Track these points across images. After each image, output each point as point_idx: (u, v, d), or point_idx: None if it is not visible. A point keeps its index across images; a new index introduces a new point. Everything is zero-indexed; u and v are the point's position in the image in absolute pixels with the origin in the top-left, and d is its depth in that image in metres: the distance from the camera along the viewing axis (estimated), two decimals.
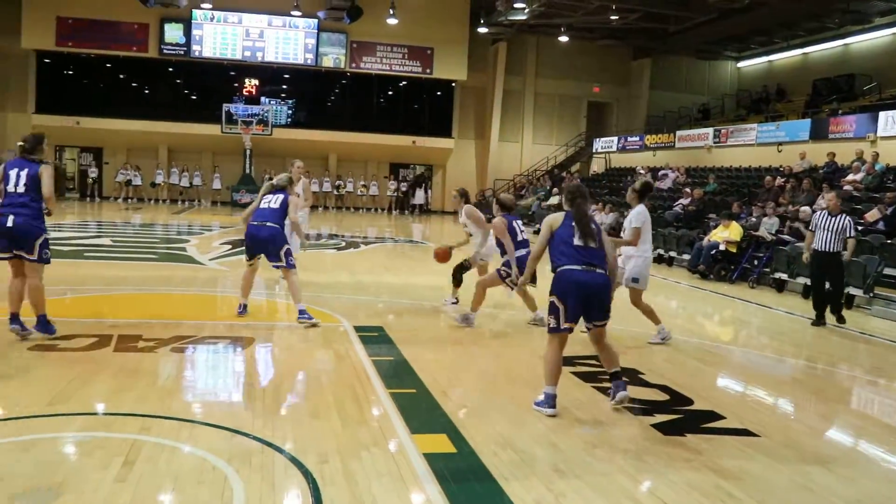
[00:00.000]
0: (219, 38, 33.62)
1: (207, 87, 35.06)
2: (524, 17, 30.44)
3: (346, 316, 9.35)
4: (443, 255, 10.08)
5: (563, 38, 34.11)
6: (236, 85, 34.95)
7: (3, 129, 33.20)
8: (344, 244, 13.63)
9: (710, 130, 28.53)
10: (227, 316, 8.87)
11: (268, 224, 8.52)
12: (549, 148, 36.70)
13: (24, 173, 7.08)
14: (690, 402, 6.52)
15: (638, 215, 8.45)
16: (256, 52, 33.86)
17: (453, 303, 10.20)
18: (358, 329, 8.53)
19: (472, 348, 8.17)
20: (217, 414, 5.47)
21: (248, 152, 32.82)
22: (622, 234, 8.77)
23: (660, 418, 5.95)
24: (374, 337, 8.24)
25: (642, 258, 8.58)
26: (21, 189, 7.05)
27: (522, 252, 8.64)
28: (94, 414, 5.29)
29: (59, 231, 19.25)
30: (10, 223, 6.95)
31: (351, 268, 13.10)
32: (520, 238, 8.79)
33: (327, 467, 4.56)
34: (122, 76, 35.13)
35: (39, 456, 4.62)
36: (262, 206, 8.67)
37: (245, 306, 8.82)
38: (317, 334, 8.39)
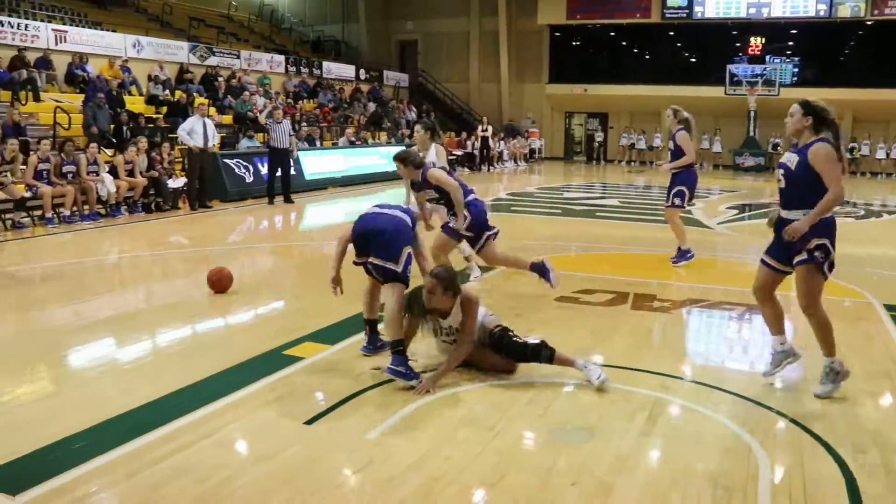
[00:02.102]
0: None
1: (709, 48, 34.39)
2: None
3: (874, 292, 8.39)
4: None
5: None
6: (739, 44, 33.73)
7: (521, 98, 36.69)
8: (862, 213, 12.41)
9: None
10: (738, 282, 8.61)
11: None
12: None
13: None
14: None
15: None
16: (762, 9, 32.20)
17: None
18: (890, 308, 7.61)
19: None
20: (733, 381, 5.32)
21: (751, 114, 31.57)
22: None
23: None
24: None
25: None
26: None
27: None
28: (617, 367, 5.49)
29: (569, 192, 20.61)
30: None
31: (873, 239, 11.89)
32: None
33: (864, 458, 4.13)
34: (624, 43, 36.20)
35: (573, 399, 4.95)
36: None
37: None
38: (841, 311, 7.69)
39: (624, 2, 33.81)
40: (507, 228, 12.93)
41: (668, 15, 33.49)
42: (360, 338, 5.87)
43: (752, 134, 31.75)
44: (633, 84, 33.79)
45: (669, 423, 4.59)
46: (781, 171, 5.04)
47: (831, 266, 4.91)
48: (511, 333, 5.36)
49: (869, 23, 31.59)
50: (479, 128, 28.33)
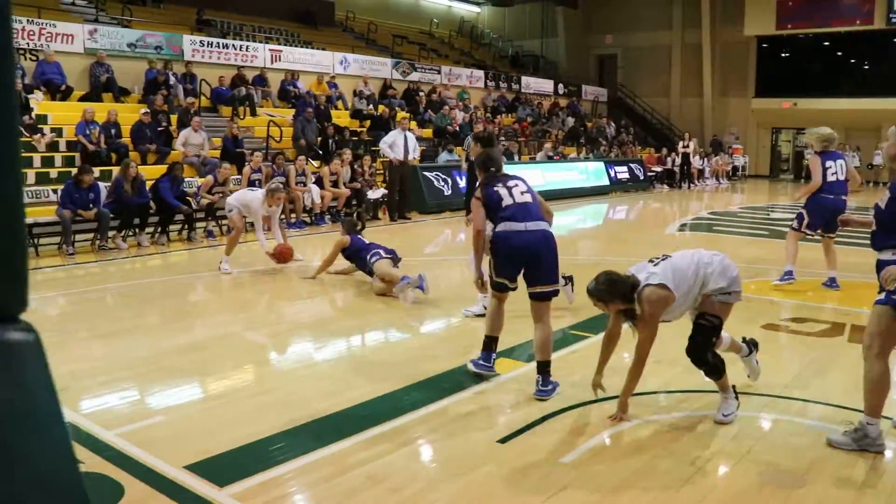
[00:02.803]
0: None
1: None
2: None
3: None
4: None
5: None
6: None
7: (725, 113, 35.24)
8: None
9: None
10: None
11: None
12: None
13: None
14: None
15: None
16: None
17: None
18: None
19: None
20: None
21: None
22: None
23: None
24: None
25: None
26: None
27: None
28: (835, 406, 5.04)
29: (775, 212, 19.51)
30: None
31: None
32: None
33: None
34: (840, 53, 33.89)
35: (780, 436, 4.59)
36: None
37: None
38: None
39: (842, 8, 31.69)
40: (708, 248, 12.44)
41: (894, 20, 30.98)
42: (557, 357, 5.77)
43: None
44: (848, 97, 31.53)
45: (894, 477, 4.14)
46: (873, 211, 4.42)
47: None
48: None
49: None
50: (680, 144, 27.46)
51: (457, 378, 5.46)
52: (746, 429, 4.66)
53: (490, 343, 5.40)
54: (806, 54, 34.42)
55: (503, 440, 4.38)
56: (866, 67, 33.88)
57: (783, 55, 34.58)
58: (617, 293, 4.57)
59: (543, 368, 5.17)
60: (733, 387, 4.82)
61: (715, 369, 4.72)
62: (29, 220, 10.93)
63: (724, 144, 33.36)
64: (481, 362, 5.38)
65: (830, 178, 8.54)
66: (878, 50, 32.93)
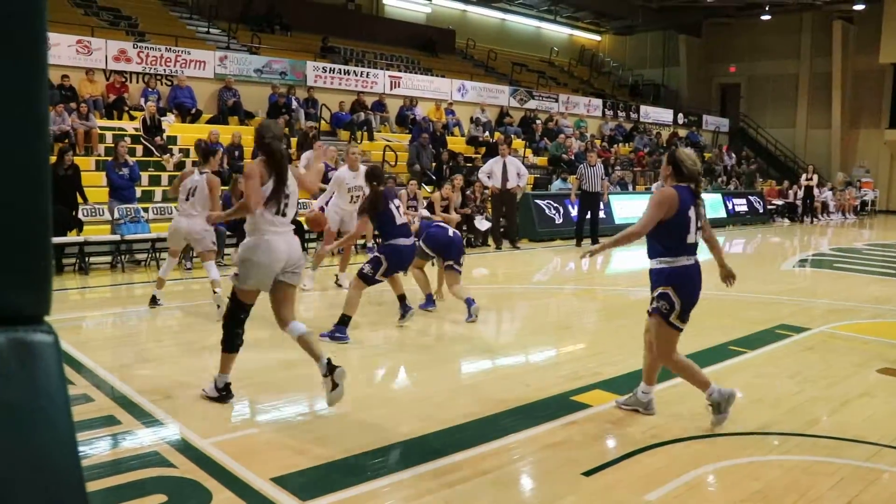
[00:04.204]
0: None
1: None
2: None
3: None
4: None
5: None
6: None
7: (854, 144, 33.77)
8: None
9: None
10: None
11: None
12: None
13: None
14: None
15: None
16: None
17: None
18: None
19: None
20: None
21: None
22: None
23: None
24: None
25: None
26: None
27: None
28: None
29: None
30: None
31: None
32: None
33: None
34: None
35: (884, 490, 4.33)
36: None
37: None
38: None
39: None
40: (826, 286, 11.96)
41: None
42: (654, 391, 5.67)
43: None
44: None
45: None
46: None
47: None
48: None
49: None
50: (804, 176, 26.44)
51: (548, 407, 5.41)
52: (850, 479, 4.42)
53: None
54: None
55: (588, 473, 4.31)
56: None
57: None
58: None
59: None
60: None
61: None
62: (153, 234, 11.54)
63: (854, 178, 31.95)
64: None
65: None
66: None
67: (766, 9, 32.07)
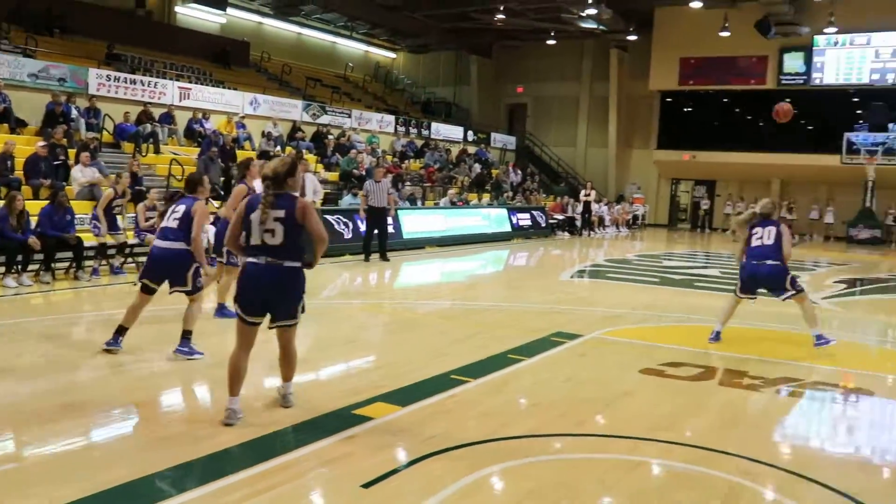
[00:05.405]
0: (843, 62, 31.82)
1: (826, 115, 33.32)
2: None
3: None
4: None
5: None
6: (859, 112, 32.53)
7: (628, 163, 36.56)
8: None
9: None
10: (839, 362, 8.17)
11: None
12: None
13: None
14: None
15: None
16: (887, 74, 31.12)
17: None
18: None
19: None
20: (824, 472, 4.95)
21: (869, 184, 30.30)
22: None
23: None
24: None
25: None
26: None
27: None
28: (696, 447, 5.25)
29: (670, 259, 20.15)
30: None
31: None
32: None
33: None
34: (737, 110, 35.57)
35: (643, 479, 4.74)
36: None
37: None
38: None
39: (739, 68, 33.41)
40: (600, 295, 12.85)
41: (783, 81, 32.87)
42: (434, 401, 5.89)
43: (868, 205, 30.41)
44: (743, 151, 33.03)
45: None
46: None
47: None
48: None
49: None
50: (582, 192, 28.17)
51: (329, 422, 5.42)
52: (613, 471, 4.79)
53: None
54: (706, 109, 36.00)
55: (367, 485, 4.38)
56: (760, 124, 35.55)
57: (685, 110, 36.05)
58: None
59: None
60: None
61: None
62: None
63: (627, 194, 34.50)
64: None
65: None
66: (770, 107, 34.55)
67: (552, 34, 34.01)
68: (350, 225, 17.17)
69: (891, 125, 31.62)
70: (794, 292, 8.42)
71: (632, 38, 33.67)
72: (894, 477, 5.11)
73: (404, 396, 6.08)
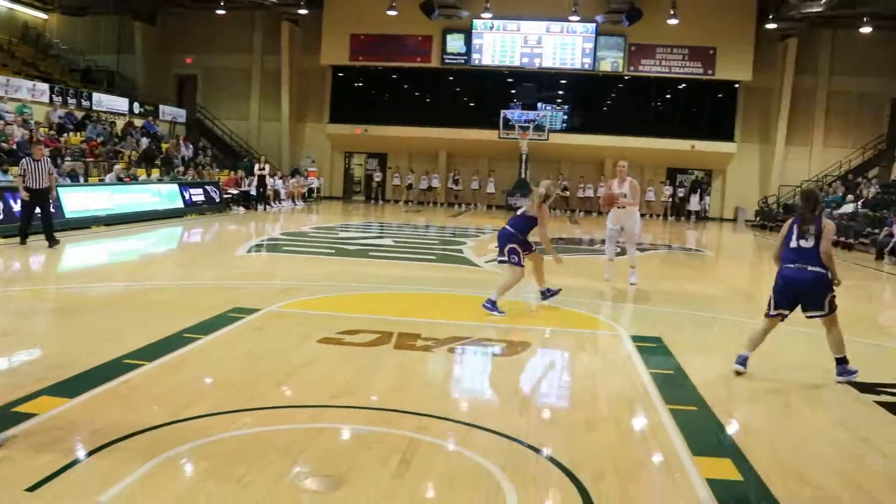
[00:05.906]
0: (498, 46, 34.46)
1: (485, 93, 36.03)
2: (820, 9, 28.09)
3: (623, 324, 9.04)
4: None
5: (866, 30, 30.73)
6: (514, 91, 35.48)
7: (302, 137, 36.65)
8: (619, 251, 13.29)
9: None
10: (503, 319, 8.87)
11: None
12: (843, 151, 33.42)
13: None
14: None
15: None
16: (534, 59, 34.25)
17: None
18: (635, 339, 8.17)
19: (760, 363, 7.24)
20: (491, 419, 5.39)
21: (523, 157, 33.29)
22: None
23: None
24: (651, 347, 7.83)
25: None
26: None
27: None
28: (375, 409, 5.43)
29: (346, 231, 20.59)
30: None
31: (625, 275, 12.74)
32: None
33: (603, 484, 4.31)
34: (405, 86, 37.18)
35: (326, 444, 4.81)
36: None
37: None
38: (592, 342, 8.17)
39: (405, 46, 34.78)
40: (277, 268, 12.82)
41: (447, 60, 34.79)
42: (107, 388, 5.51)
43: (523, 176, 33.38)
44: (412, 126, 34.60)
45: (423, 465, 4.54)
46: None
47: None
48: None
49: (626, 77, 34.39)
50: (256, 166, 27.70)
51: None
52: (298, 439, 4.79)
53: None
54: (376, 85, 37.20)
55: (31, 488, 3.95)
56: (427, 100, 37.51)
57: (356, 85, 36.83)
58: None
59: None
60: None
61: None
62: None
63: (302, 168, 34.62)
64: None
65: None
66: (436, 85, 36.75)
67: (221, 3, 32.80)
68: (2, 205, 15.40)
69: (539, 104, 34.91)
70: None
71: (303, 11, 33.57)
72: (551, 416, 5.66)
73: (73, 387, 5.59)
